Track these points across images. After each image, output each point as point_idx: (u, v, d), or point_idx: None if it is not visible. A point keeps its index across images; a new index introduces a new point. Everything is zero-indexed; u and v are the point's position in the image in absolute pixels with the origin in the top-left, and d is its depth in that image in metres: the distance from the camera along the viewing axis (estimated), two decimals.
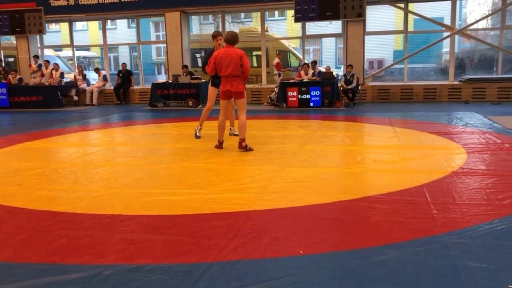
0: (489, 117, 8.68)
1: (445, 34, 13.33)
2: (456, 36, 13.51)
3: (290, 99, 11.71)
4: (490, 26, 15.68)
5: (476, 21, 13.75)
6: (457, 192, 3.95)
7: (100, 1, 14.38)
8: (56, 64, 14.68)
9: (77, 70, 15.28)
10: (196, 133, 7.11)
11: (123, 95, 14.58)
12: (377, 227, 3.21)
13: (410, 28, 14.51)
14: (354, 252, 2.80)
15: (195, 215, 3.57)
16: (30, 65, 14.69)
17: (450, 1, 12.84)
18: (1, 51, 16.62)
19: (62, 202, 3.99)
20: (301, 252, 2.80)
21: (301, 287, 2.36)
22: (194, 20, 21.39)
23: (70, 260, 2.75)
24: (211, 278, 2.47)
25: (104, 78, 14.98)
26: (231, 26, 21.17)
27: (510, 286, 2.30)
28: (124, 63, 15.00)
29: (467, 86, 12.58)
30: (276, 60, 13.41)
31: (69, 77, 15.70)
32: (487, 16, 14.75)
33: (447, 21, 13.38)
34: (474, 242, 2.87)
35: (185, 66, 13.46)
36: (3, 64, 15.62)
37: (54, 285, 2.44)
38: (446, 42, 13.92)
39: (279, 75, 13.21)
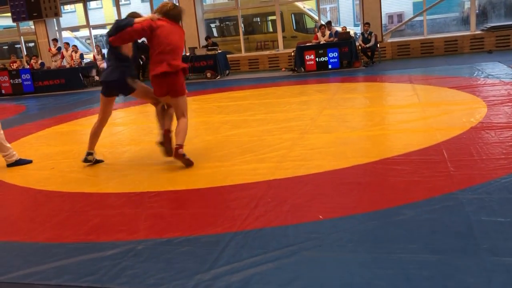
0: None
1: None
2: None
3: (307, 62, 11.64)
4: None
5: None
6: (475, 148, 3.98)
7: None
8: (75, 46, 14.87)
9: (95, 50, 15.45)
10: None
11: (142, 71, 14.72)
12: (394, 188, 3.30)
13: None
14: (371, 214, 2.91)
15: (219, 187, 3.73)
16: (49, 49, 14.95)
17: None
18: (22, 37, 16.91)
19: (93, 183, 4.21)
20: (320, 217, 2.93)
21: (320, 250, 2.50)
22: None
23: (105, 238, 2.95)
24: (236, 247, 2.63)
25: None
26: None
27: None
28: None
29: (490, 35, 12.22)
30: None
31: (88, 57, 15.89)
32: None
33: None
34: (489, 197, 2.94)
35: (208, 37, 13.62)
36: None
37: (93, 262, 2.64)
38: None
39: None
